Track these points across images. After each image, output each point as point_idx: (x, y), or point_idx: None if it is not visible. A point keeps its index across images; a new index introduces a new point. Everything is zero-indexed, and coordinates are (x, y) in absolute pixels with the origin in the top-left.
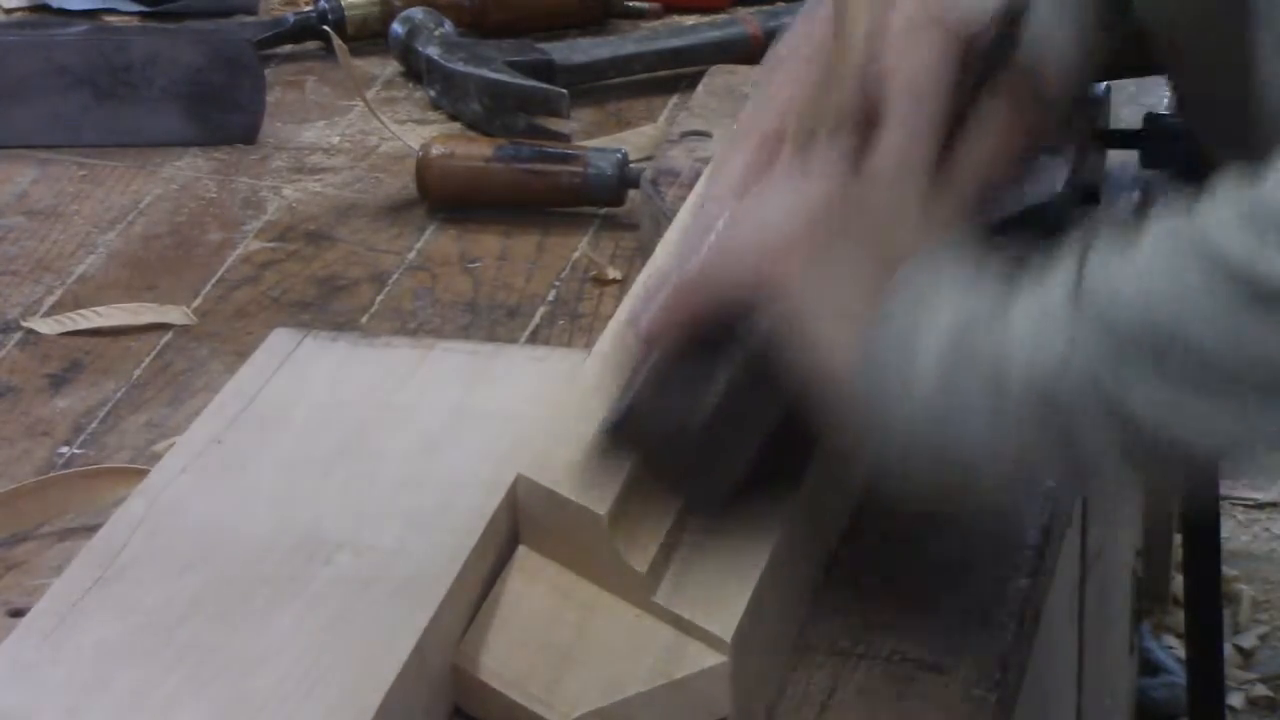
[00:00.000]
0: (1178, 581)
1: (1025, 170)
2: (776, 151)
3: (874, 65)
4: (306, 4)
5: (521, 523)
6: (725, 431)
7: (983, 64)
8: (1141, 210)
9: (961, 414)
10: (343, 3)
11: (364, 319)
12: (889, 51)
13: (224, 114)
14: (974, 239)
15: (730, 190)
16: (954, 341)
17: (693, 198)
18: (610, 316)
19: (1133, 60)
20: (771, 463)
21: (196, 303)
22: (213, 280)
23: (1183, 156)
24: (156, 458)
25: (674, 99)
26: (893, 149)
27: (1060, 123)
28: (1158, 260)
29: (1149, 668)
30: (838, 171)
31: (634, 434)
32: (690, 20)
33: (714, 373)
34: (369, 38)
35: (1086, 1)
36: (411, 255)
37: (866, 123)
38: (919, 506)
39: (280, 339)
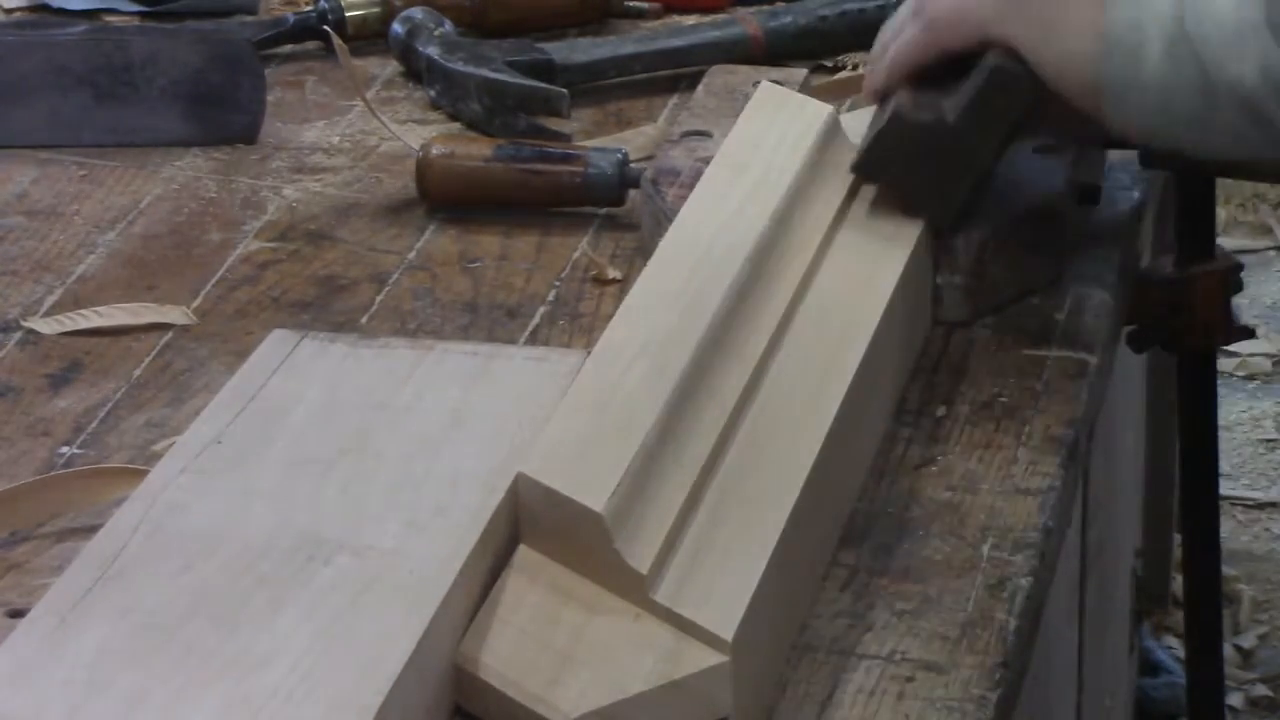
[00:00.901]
0: (1178, 581)
1: None
2: None
3: None
4: (306, 4)
5: (521, 522)
6: (970, 133)
7: None
8: (1141, 211)
9: (1178, 107)
10: (343, 3)
11: (364, 319)
12: None
13: (224, 114)
14: None
15: None
16: (1170, 43)
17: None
18: (610, 316)
19: None
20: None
21: (196, 303)
22: (213, 280)
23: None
24: (156, 458)
25: (674, 99)
26: None
27: None
28: None
29: (1149, 668)
30: None
31: (892, 145)
32: (690, 20)
33: (955, 96)
34: (369, 38)
35: None
36: (411, 255)
37: None
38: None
39: (279, 340)
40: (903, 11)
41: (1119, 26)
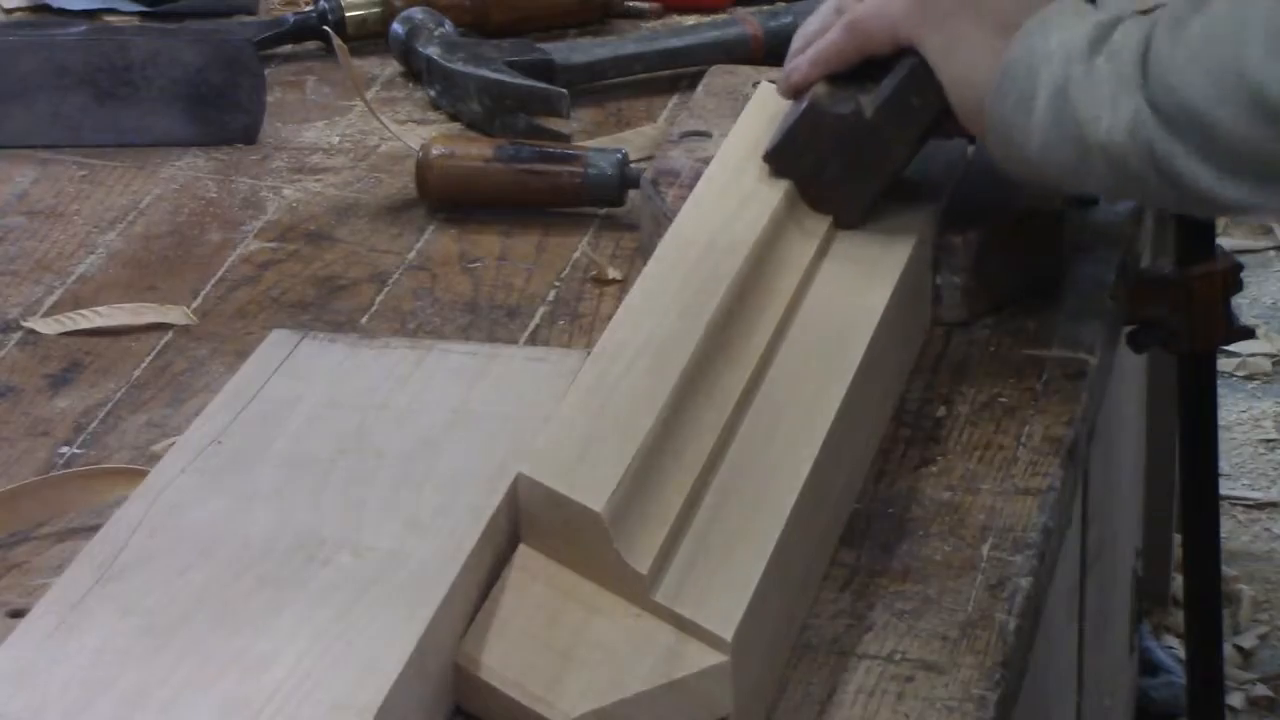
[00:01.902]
0: (1178, 581)
1: None
2: None
3: None
4: (306, 4)
5: (521, 522)
6: (886, 129)
7: None
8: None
9: (1055, 156)
10: (343, 3)
11: (364, 319)
12: None
13: (224, 114)
14: None
15: None
16: (1057, 92)
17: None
18: (610, 316)
19: None
20: (906, 185)
21: (196, 303)
22: (213, 280)
23: None
24: (156, 458)
25: (674, 99)
26: None
27: None
28: (1205, 53)
29: (1149, 668)
30: None
31: (806, 137)
32: (690, 20)
33: (880, 80)
34: (369, 38)
35: None
36: (411, 255)
37: None
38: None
39: (279, 340)
40: (825, 9)
41: (1017, 67)
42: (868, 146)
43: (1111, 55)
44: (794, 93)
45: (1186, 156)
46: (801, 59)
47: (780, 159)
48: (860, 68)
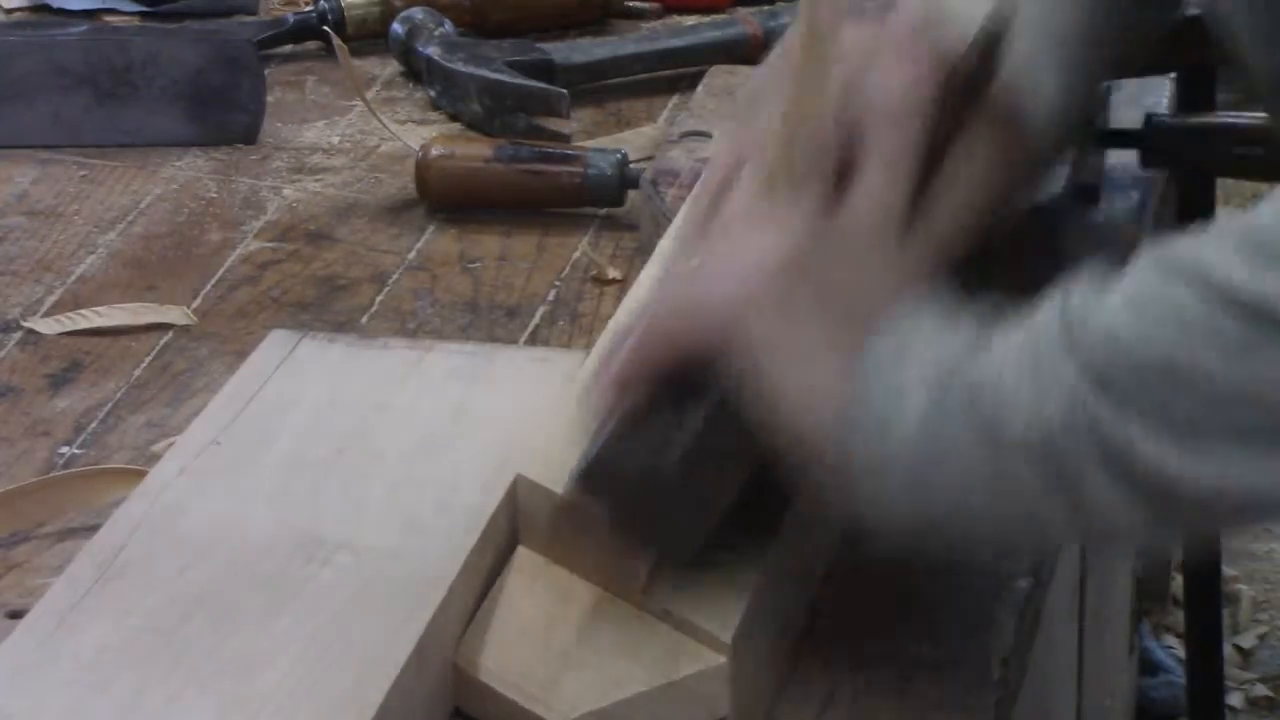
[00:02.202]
0: (1178, 581)
1: (1009, 204)
2: (749, 188)
3: (852, 100)
4: (306, 4)
5: (521, 523)
6: (696, 476)
7: (962, 97)
8: (1141, 211)
9: (950, 469)
10: (343, 3)
11: (364, 319)
12: (868, 86)
13: (224, 114)
14: (950, 287)
15: (699, 231)
16: (939, 391)
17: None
18: (610, 316)
19: (1179, 54)
20: (747, 511)
21: (196, 303)
22: (213, 280)
23: (1183, 156)
24: (156, 458)
25: (674, 99)
26: (870, 194)
27: (1046, 156)
28: (1151, 295)
29: (1149, 668)
30: (810, 217)
31: (603, 481)
32: (690, 20)
33: (684, 418)
34: (369, 38)
35: (1072, 26)
36: (411, 255)
37: (841, 162)
38: (897, 550)
39: (278, 340)
40: (652, 292)
41: (874, 383)
42: (678, 493)
43: (1010, 343)
44: (605, 397)
45: (1145, 433)
46: (619, 362)
47: (586, 487)
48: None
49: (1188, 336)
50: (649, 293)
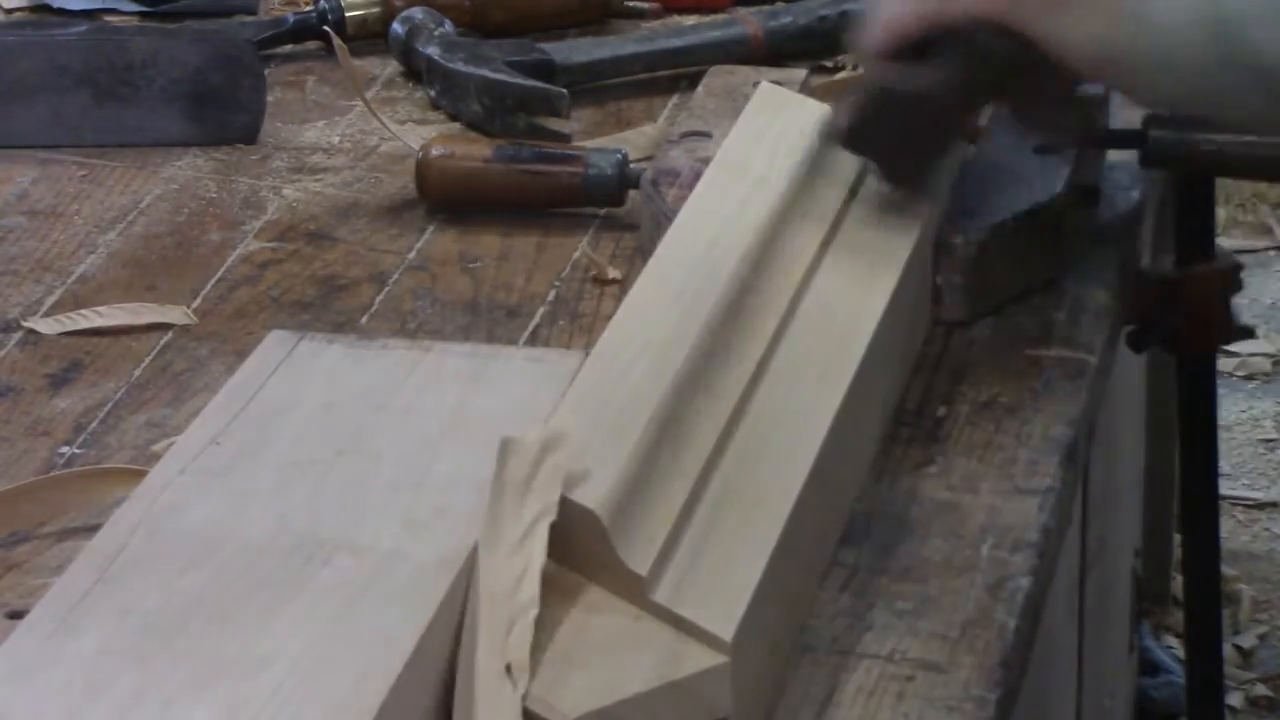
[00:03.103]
0: (1178, 581)
1: None
2: None
3: None
4: (306, 4)
5: None
6: (951, 116)
7: None
8: (1141, 211)
9: (1206, 83)
10: (343, 3)
11: (364, 319)
12: None
13: (224, 114)
14: None
15: None
16: (1201, 13)
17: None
18: (610, 316)
19: None
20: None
21: (196, 303)
22: (213, 280)
23: (1183, 157)
24: (156, 458)
25: (674, 99)
26: None
27: None
28: None
29: (1149, 668)
30: None
31: (878, 118)
32: (690, 20)
33: (938, 69)
34: (369, 38)
35: None
36: (411, 255)
37: None
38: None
39: (277, 340)
40: None
41: (1141, 4)
42: (933, 122)
43: None
44: (867, 61)
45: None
46: (873, 26)
47: (848, 135)
48: (924, 41)
49: None
50: None
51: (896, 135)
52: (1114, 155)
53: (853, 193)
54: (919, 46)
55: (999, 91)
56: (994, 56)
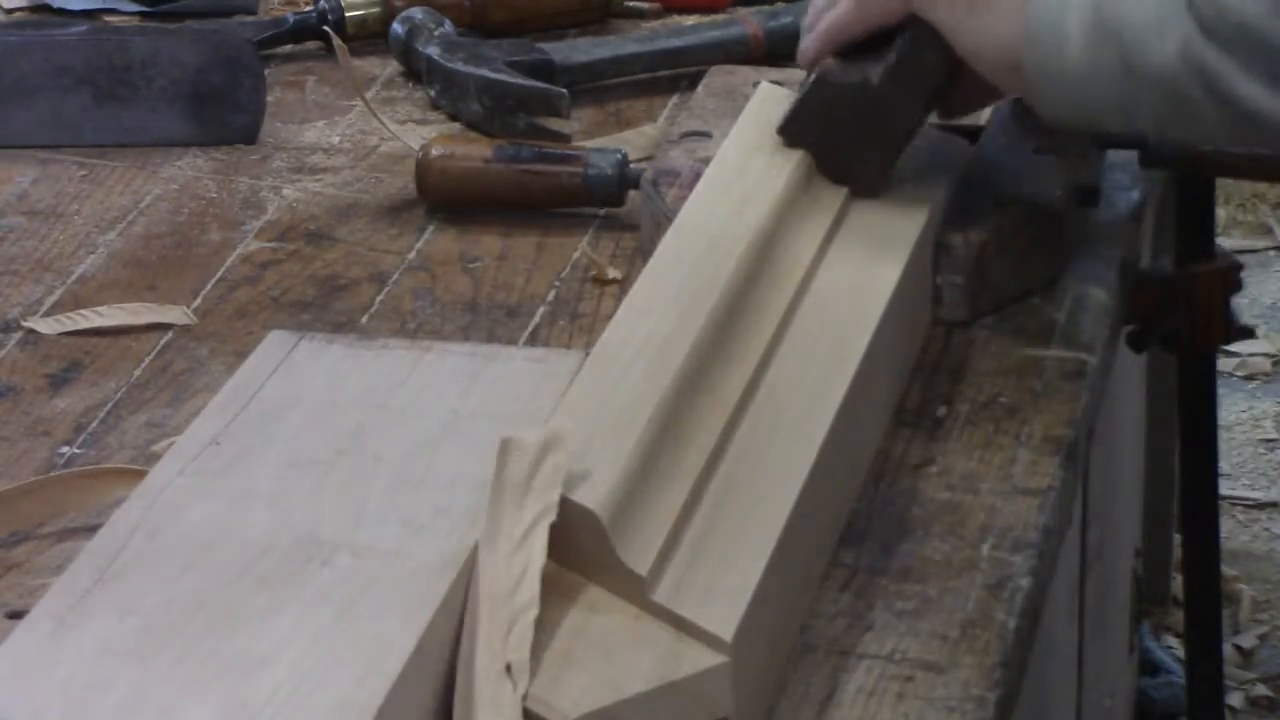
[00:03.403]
0: (1178, 581)
1: None
2: None
3: None
4: (306, 4)
5: None
6: (892, 108)
7: None
8: (1141, 211)
9: (1100, 91)
10: (343, 3)
11: (364, 319)
12: None
13: (224, 114)
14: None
15: None
16: (1094, 28)
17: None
18: (610, 316)
19: None
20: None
21: (196, 303)
22: (213, 280)
23: (1183, 156)
24: (156, 458)
25: (674, 99)
26: None
27: None
28: None
29: (1149, 668)
30: None
31: (817, 113)
32: (690, 20)
33: (883, 54)
34: (369, 38)
35: None
36: (411, 255)
37: None
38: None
39: (277, 340)
40: None
41: (1040, 11)
42: (876, 115)
43: None
44: (809, 66)
45: (1242, 76)
46: (812, 34)
47: (793, 131)
48: (869, 40)
49: (1273, 10)
50: None
51: (832, 129)
52: (1114, 155)
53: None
54: (867, 45)
55: (937, 92)
56: (933, 49)
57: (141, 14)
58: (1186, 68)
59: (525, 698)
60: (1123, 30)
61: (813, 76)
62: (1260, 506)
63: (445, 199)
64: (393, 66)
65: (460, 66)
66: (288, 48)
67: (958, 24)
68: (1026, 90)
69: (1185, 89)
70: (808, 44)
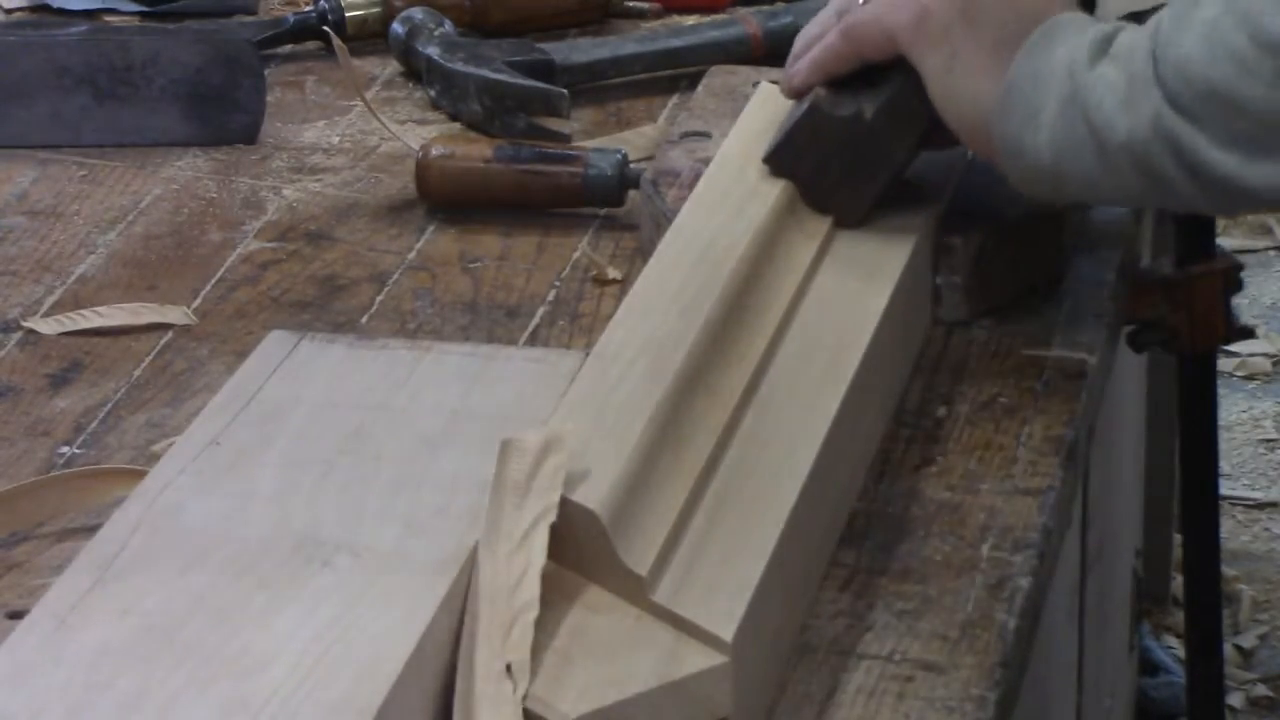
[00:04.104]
0: (1178, 581)
1: None
2: None
3: None
4: (306, 4)
5: None
6: (881, 143)
7: None
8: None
9: (1072, 163)
10: (343, 3)
11: (364, 319)
12: None
13: (224, 114)
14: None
15: None
16: (1067, 100)
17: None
18: (610, 316)
19: None
20: (907, 185)
21: (196, 303)
22: (213, 280)
23: None
24: (156, 458)
25: (674, 99)
26: None
27: None
28: (1217, 34)
29: (1149, 668)
30: None
31: (805, 144)
32: (690, 20)
33: (872, 98)
34: (369, 38)
35: None
36: (411, 255)
37: None
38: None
39: (277, 340)
40: (825, 13)
41: (1022, 83)
42: (867, 149)
43: (1118, 58)
44: (795, 95)
45: (1210, 144)
46: (802, 62)
47: (781, 160)
48: (861, 72)
49: (1239, 72)
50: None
51: (821, 161)
52: None
53: None
54: (858, 77)
55: (927, 132)
56: (921, 96)
57: (141, 14)
58: (1158, 140)
59: (525, 698)
60: (1095, 106)
61: (804, 106)
62: (1260, 506)
63: (445, 199)
64: (393, 66)
65: (460, 66)
66: (288, 48)
67: (937, 76)
68: (995, 157)
69: (1157, 162)
70: (796, 71)
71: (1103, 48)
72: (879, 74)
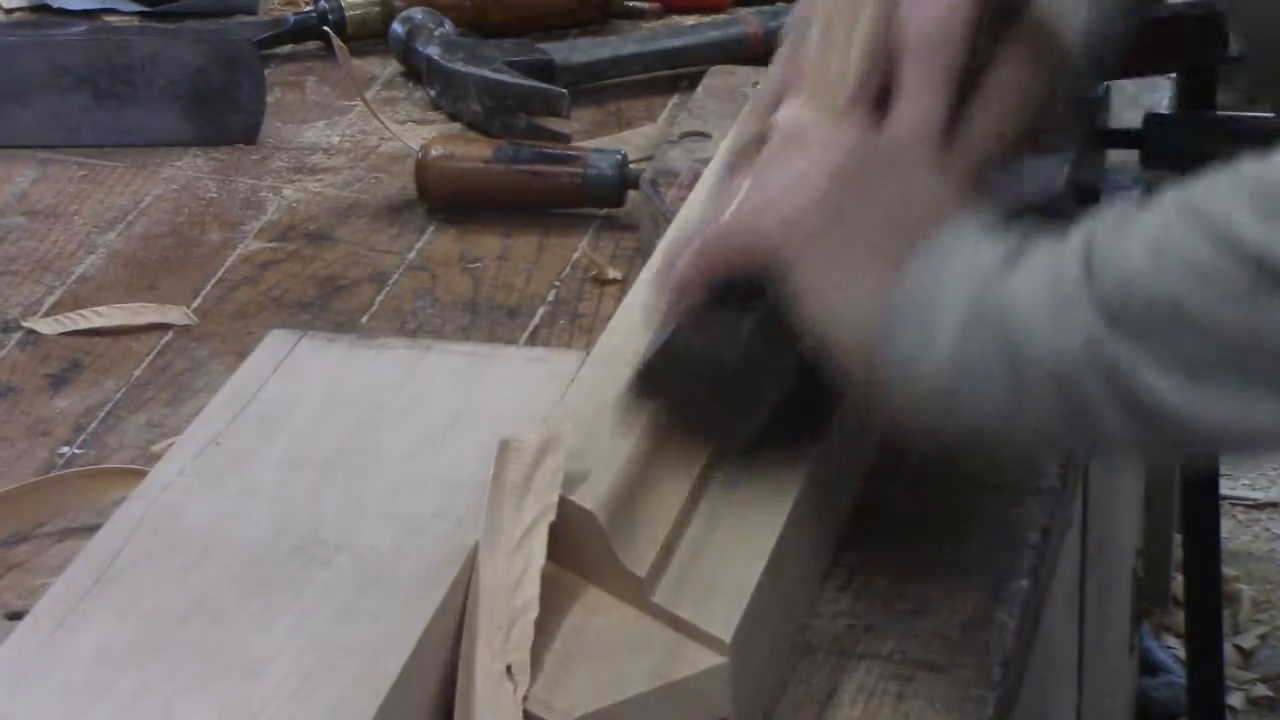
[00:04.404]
0: (1178, 581)
1: (1036, 137)
2: (794, 111)
3: (891, 25)
4: (306, 4)
5: None
6: (754, 370)
7: (997, 22)
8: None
9: (978, 387)
10: (343, 3)
11: (364, 319)
12: (906, 11)
13: (224, 114)
14: (986, 207)
15: (747, 151)
16: (972, 315)
17: (696, 190)
18: (610, 316)
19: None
20: (796, 410)
21: (196, 303)
22: (213, 280)
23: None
24: (156, 458)
25: (674, 99)
26: (908, 117)
27: (1077, 84)
28: (1167, 240)
29: (1149, 668)
30: (853, 138)
31: (668, 374)
32: (690, 20)
33: (743, 318)
34: (369, 38)
35: None
36: (411, 255)
37: (881, 86)
38: (936, 456)
39: (277, 340)
40: (694, 216)
41: (913, 297)
42: (738, 380)
43: (1039, 269)
44: (679, 295)
45: (1152, 368)
46: (675, 270)
47: (644, 389)
48: (730, 286)
49: (1197, 283)
50: (700, 211)
51: (695, 391)
52: (1114, 155)
53: None
54: (738, 285)
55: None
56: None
57: (141, 14)
58: (1089, 364)
59: (525, 698)
60: (1009, 320)
61: (666, 332)
62: (1260, 506)
63: (445, 199)
64: (393, 66)
65: (460, 66)
66: (288, 48)
67: (806, 290)
68: (875, 383)
69: (1083, 387)
70: (683, 266)
71: (1013, 258)
72: (752, 286)
